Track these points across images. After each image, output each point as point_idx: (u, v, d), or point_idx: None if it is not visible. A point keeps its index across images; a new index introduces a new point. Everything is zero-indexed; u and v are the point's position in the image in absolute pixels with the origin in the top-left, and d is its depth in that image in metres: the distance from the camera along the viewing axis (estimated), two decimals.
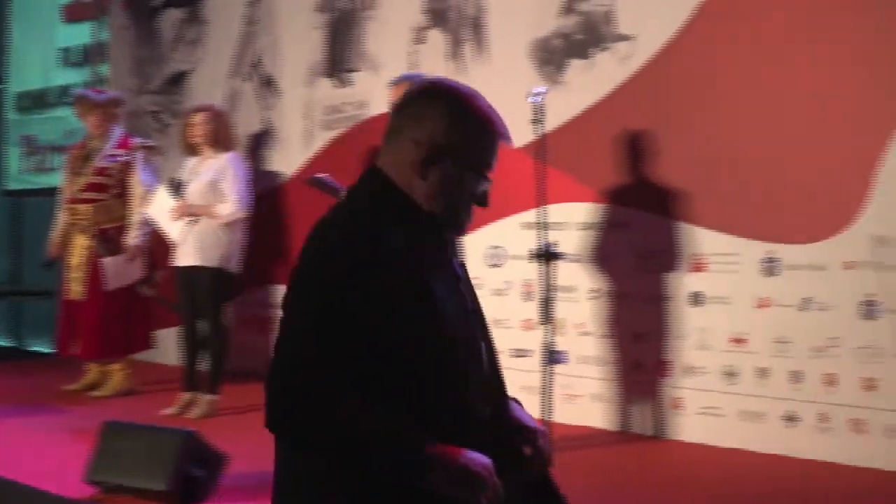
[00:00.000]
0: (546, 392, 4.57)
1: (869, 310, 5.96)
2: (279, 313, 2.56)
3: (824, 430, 6.09)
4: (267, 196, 9.13)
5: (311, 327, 2.44)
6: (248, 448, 5.31)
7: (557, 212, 7.21)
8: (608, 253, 7.11)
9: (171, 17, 10.71)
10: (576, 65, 7.36)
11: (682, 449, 6.55)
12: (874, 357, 5.93)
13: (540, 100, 4.62)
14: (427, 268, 2.57)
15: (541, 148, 4.56)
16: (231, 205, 7.56)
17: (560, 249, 4.76)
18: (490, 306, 7.27)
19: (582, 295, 7.21)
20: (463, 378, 2.59)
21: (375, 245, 2.49)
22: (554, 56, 7.47)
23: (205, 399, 7.57)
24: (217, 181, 7.58)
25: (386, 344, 2.46)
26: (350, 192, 2.70)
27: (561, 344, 7.19)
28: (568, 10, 7.40)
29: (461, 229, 2.71)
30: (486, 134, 2.63)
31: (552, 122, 7.20)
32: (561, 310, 7.21)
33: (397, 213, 2.59)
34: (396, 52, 8.46)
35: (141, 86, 10.92)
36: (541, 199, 4.59)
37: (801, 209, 6.25)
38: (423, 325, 2.51)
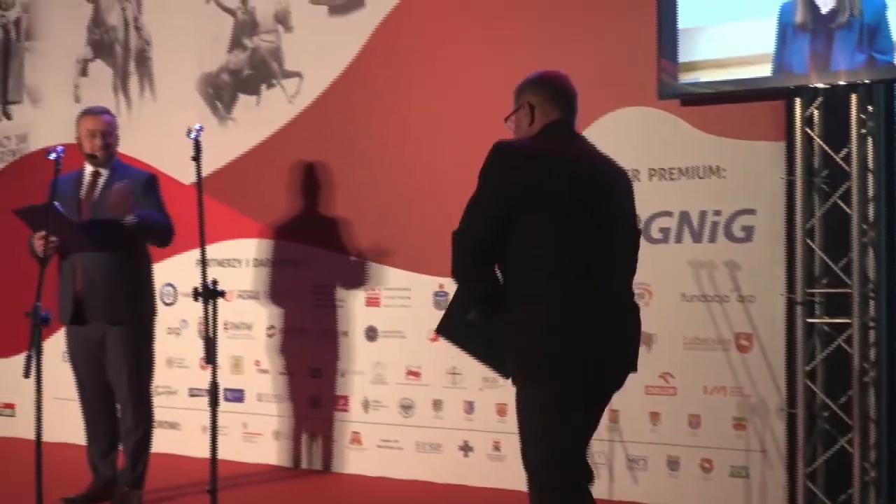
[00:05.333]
0: (212, 430, 4.48)
1: None
2: None
3: (497, 458, 6.27)
4: None
5: None
6: None
7: (230, 248, 7.17)
8: (283, 289, 7.07)
9: None
10: (244, 101, 7.31)
11: (363, 483, 6.56)
12: None
13: (196, 136, 4.56)
14: None
15: (199, 184, 4.52)
16: None
17: (224, 287, 4.68)
18: (167, 345, 7.13)
19: (259, 332, 7.12)
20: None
21: None
22: (222, 92, 7.39)
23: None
24: None
25: None
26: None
27: (238, 382, 7.14)
28: (236, 45, 7.34)
29: None
30: None
31: (223, 158, 7.21)
32: (238, 347, 7.14)
33: None
34: (60, 84, 8.12)
35: None
36: (202, 236, 4.52)
37: None
38: None
